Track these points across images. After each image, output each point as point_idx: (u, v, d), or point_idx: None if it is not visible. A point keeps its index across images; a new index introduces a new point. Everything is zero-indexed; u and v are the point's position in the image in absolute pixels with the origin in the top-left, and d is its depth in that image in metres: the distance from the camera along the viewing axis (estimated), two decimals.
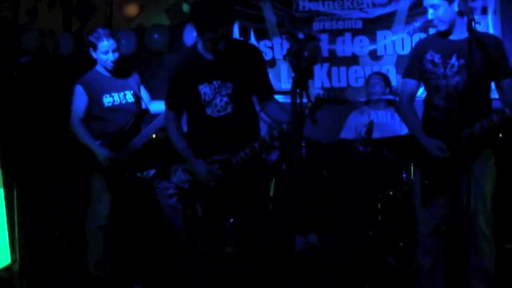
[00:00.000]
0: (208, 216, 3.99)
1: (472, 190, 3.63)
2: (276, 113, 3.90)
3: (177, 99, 3.95)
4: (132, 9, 7.35)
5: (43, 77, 6.76)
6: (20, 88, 6.49)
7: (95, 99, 4.79)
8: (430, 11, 3.85)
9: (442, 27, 3.85)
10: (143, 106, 4.97)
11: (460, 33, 3.85)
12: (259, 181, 4.07)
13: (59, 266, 5.39)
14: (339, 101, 5.78)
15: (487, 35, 4.06)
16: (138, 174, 4.90)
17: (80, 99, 4.80)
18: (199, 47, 3.87)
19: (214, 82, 3.82)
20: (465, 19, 3.75)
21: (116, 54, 4.78)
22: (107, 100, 4.80)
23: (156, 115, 4.88)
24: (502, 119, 3.59)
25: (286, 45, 6.72)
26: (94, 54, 4.80)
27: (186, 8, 7.12)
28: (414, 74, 4.04)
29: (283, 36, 6.74)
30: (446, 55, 3.87)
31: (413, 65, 4.04)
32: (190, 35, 6.78)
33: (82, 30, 7.35)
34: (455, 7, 3.77)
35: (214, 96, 3.83)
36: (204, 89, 3.83)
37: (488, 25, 6.04)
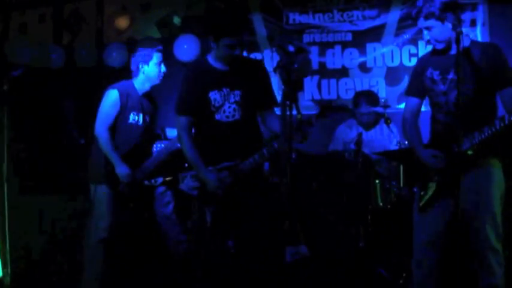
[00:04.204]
0: (216, 223, 4.09)
1: (476, 201, 3.66)
2: (276, 125, 4.02)
3: (188, 104, 4.10)
4: (122, 22, 7.34)
5: (34, 90, 6.74)
6: (11, 101, 6.46)
7: (124, 111, 4.68)
8: (425, 32, 3.83)
9: (439, 47, 3.83)
10: (155, 131, 4.97)
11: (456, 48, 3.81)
12: (258, 193, 4.15)
13: (51, 279, 5.36)
14: (342, 109, 5.74)
15: (485, 44, 4.03)
16: (146, 182, 4.86)
17: (114, 104, 4.65)
18: (210, 58, 4.09)
19: (224, 89, 4.04)
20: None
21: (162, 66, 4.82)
22: (132, 117, 4.71)
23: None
24: (504, 125, 3.53)
25: (276, 58, 6.75)
26: (144, 68, 4.74)
27: (176, 20, 7.12)
28: (415, 91, 4.06)
29: (274, 48, 6.78)
30: (444, 71, 3.85)
31: (414, 83, 4.07)
32: (180, 48, 6.80)
33: (73, 43, 7.35)
34: (449, 25, 3.73)
35: (223, 102, 4.03)
36: (214, 96, 4.03)
37: (476, 37, 6.08)
